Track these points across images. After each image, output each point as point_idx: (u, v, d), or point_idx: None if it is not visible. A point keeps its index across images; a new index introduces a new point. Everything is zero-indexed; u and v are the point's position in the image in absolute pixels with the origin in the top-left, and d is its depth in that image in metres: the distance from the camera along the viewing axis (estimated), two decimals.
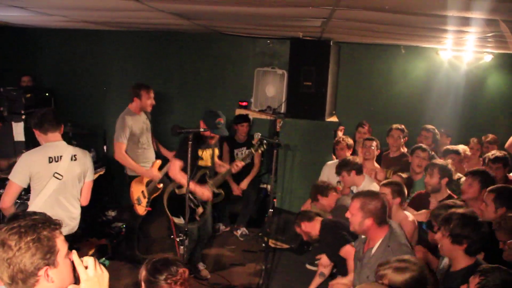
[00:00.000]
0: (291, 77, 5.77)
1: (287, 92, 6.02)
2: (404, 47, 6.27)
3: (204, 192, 4.44)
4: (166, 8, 3.60)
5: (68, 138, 6.02)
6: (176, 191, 4.47)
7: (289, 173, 5.76)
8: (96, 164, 6.40)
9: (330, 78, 5.64)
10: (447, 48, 5.95)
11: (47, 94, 6.10)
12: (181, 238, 4.13)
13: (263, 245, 4.78)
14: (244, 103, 6.55)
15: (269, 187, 5.71)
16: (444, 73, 6.34)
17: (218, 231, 6.00)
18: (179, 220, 4.39)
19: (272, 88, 6.41)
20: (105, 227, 5.52)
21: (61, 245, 1.74)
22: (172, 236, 4.42)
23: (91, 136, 6.57)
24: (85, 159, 3.79)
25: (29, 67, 6.96)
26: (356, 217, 3.10)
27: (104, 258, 4.93)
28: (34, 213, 2.06)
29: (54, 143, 3.62)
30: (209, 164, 4.58)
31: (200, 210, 4.51)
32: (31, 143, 5.89)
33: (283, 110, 6.19)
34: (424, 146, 4.87)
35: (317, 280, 4.32)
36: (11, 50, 7.02)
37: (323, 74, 5.54)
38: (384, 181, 4.17)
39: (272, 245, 5.39)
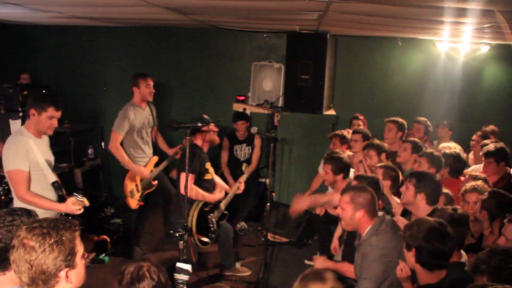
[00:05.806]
0: (288, 70, 5.76)
1: (284, 86, 6.01)
2: (400, 39, 6.24)
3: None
4: (161, 3, 3.59)
5: (66, 135, 6.02)
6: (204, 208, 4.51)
7: (287, 167, 5.77)
8: (93, 161, 6.43)
9: (327, 71, 5.63)
10: (444, 39, 5.94)
11: (44, 91, 6.06)
12: (180, 233, 4.13)
13: (263, 239, 4.78)
14: (242, 98, 6.54)
15: (267, 181, 5.71)
16: (441, 64, 6.32)
17: None
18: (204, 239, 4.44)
19: (269, 82, 6.40)
20: (104, 223, 5.52)
21: (79, 246, 1.78)
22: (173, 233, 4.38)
23: (89, 132, 6.56)
24: None
25: (26, 65, 6.93)
26: (347, 211, 3.07)
27: (104, 254, 4.93)
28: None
29: None
30: None
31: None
32: None
33: (280, 104, 6.19)
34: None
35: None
36: (9, 47, 6.98)
37: (320, 67, 5.53)
38: (380, 163, 4.15)
39: (271, 239, 5.40)
